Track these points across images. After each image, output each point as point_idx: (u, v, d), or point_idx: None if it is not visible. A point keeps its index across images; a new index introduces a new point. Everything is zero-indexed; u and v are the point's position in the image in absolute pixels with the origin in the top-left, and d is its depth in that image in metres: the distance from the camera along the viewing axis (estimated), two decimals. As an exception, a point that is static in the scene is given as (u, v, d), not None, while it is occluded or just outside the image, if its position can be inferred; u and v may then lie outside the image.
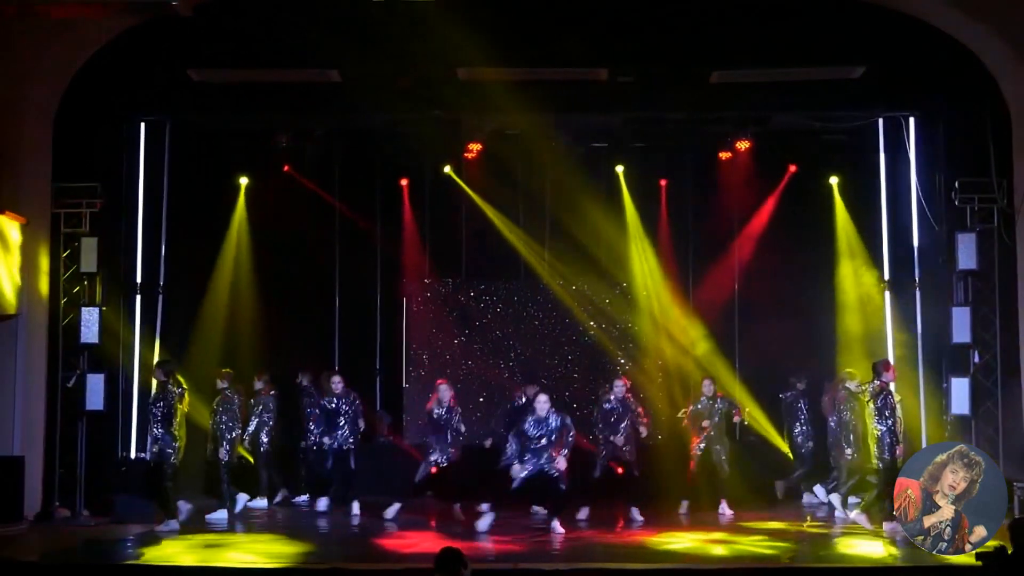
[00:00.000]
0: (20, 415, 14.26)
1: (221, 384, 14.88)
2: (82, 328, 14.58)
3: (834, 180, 17.29)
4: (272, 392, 15.88)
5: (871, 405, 13.29)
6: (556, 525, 13.27)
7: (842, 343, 16.77)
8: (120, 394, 15.57)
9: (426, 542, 12.41)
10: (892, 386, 13.65)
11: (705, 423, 14.75)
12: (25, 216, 14.30)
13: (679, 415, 15.54)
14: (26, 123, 14.43)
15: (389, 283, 17.78)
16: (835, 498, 14.21)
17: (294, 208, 17.20)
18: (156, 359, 15.74)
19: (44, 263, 14.69)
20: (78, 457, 14.56)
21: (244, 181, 17.25)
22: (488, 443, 15.34)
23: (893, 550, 11.97)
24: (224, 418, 14.74)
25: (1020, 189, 14.53)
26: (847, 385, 14.43)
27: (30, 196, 14.46)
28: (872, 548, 12.15)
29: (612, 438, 14.43)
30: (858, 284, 17.00)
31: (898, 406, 13.46)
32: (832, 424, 14.91)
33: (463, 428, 14.49)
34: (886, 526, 12.94)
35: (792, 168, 17.53)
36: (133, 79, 14.90)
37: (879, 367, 13.43)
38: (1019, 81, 14.36)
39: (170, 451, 13.58)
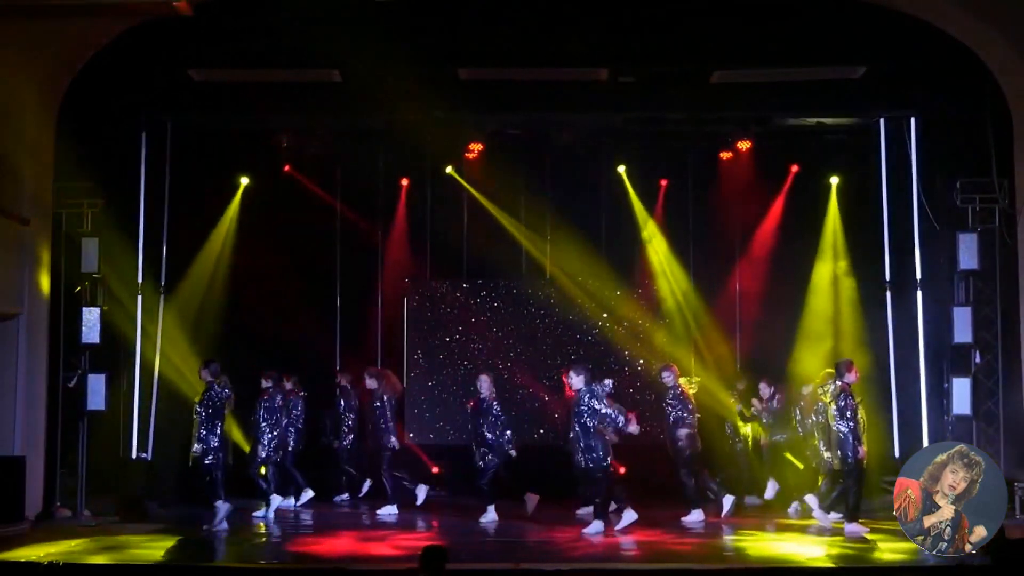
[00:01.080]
0: (21, 415, 14.26)
1: (265, 383, 14.82)
2: (83, 328, 14.54)
3: (834, 180, 17.26)
4: (302, 393, 15.81)
5: (832, 406, 13.30)
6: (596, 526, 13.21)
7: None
8: (121, 394, 15.60)
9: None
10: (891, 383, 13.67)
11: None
12: (27, 216, 14.31)
13: None
14: (28, 123, 14.43)
15: (390, 282, 17.78)
16: (812, 499, 14.08)
17: (295, 208, 17.24)
18: (158, 357, 15.83)
19: (45, 263, 14.69)
20: (79, 457, 14.53)
21: (244, 181, 17.22)
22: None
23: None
24: (265, 416, 14.69)
25: (1021, 189, 14.53)
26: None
27: (32, 196, 14.46)
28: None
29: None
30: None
31: (859, 407, 13.39)
32: (808, 426, 14.84)
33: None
34: (847, 527, 13.08)
35: (795, 168, 17.50)
36: (134, 79, 14.91)
37: (842, 368, 13.41)
38: (1020, 81, 14.34)
39: (211, 452, 13.53)
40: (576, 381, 13.42)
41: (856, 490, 13.21)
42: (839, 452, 13.21)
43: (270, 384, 14.90)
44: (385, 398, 15.09)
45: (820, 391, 13.89)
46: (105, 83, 14.71)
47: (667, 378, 14.50)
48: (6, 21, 13.66)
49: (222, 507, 13.70)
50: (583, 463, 13.32)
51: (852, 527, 13.08)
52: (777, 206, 17.55)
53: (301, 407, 15.77)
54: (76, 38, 14.34)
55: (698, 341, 17.44)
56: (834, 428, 13.27)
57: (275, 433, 14.85)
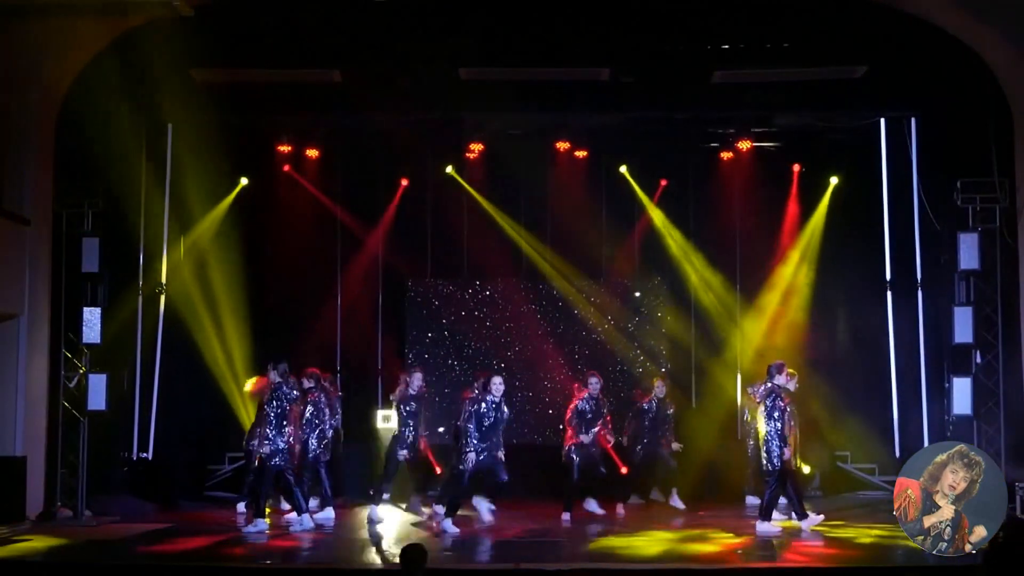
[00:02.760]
0: (22, 415, 14.23)
1: (307, 383, 14.43)
2: (84, 328, 14.50)
3: (833, 180, 17.23)
4: (339, 394, 15.55)
5: (761, 407, 13.24)
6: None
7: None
8: (122, 394, 15.61)
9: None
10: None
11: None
12: (28, 216, 14.31)
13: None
14: (29, 123, 14.41)
15: (390, 282, 17.77)
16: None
17: (295, 208, 17.23)
18: (159, 357, 15.79)
19: (46, 263, 14.68)
20: (80, 457, 14.51)
21: (244, 181, 17.18)
22: None
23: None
24: (313, 417, 14.40)
25: (1022, 189, 14.49)
26: (787, 386, 14.22)
27: (33, 196, 14.43)
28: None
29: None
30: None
31: (788, 408, 13.31)
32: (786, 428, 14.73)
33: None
34: (759, 525, 13.10)
35: (797, 168, 17.48)
36: (135, 79, 14.91)
37: (772, 369, 13.36)
38: (1021, 80, 14.32)
39: (278, 453, 13.28)
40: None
41: (774, 491, 13.19)
42: (764, 453, 13.19)
43: (312, 384, 14.49)
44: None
45: (750, 391, 13.80)
46: (106, 83, 14.69)
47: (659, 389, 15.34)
48: (7, 21, 13.68)
49: (261, 523, 13.46)
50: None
51: (764, 526, 13.09)
52: (783, 205, 17.53)
53: (339, 408, 15.35)
54: (77, 38, 14.35)
55: (699, 340, 17.45)
56: (761, 429, 13.27)
57: (319, 434, 14.65)
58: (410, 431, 14.16)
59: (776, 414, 13.07)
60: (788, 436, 13.12)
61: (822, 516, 13.41)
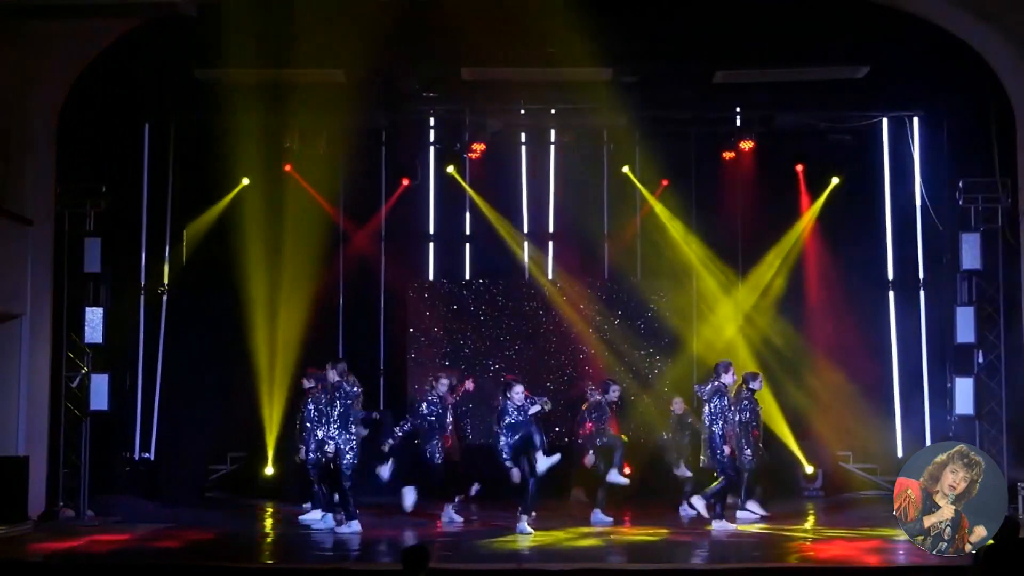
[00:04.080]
0: (24, 415, 14.25)
1: (307, 383, 14.41)
2: (86, 328, 14.50)
3: (835, 180, 17.22)
4: None
5: (706, 406, 13.33)
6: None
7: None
8: (124, 394, 15.62)
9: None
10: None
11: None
12: (30, 216, 14.33)
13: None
14: (31, 123, 14.44)
15: (391, 282, 17.78)
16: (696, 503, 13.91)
17: (297, 207, 17.20)
18: (161, 357, 15.80)
19: (48, 263, 14.68)
20: (82, 457, 14.53)
21: (245, 181, 17.17)
22: None
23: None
24: (315, 417, 14.13)
25: (1024, 189, 14.51)
26: (751, 385, 14.18)
27: (35, 196, 14.45)
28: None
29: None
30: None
31: (733, 407, 13.43)
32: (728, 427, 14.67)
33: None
34: (715, 524, 13.16)
35: (801, 168, 17.48)
36: (138, 79, 14.95)
37: (720, 368, 13.47)
38: (1023, 80, 14.31)
39: (348, 451, 13.29)
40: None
41: (723, 488, 13.28)
42: (707, 450, 13.34)
43: (312, 384, 14.35)
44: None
45: (697, 390, 13.81)
46: (109, 83, 14.73)
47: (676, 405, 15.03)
48: (9, 21, 13.70)
49: (355, 524, 13.35)
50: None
51: (720, 523, 13.19)
52: (785, 206, 17.51)
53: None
54: (79, 38, 14.37)
55: (700, 340, 17.43)
56: (705, 426, 13.36)
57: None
58: (437, 436, 14.04)
59: (722, 413, 13.21)
60: (732, 434, 13.28)
61: (735, 527, 13.35)
